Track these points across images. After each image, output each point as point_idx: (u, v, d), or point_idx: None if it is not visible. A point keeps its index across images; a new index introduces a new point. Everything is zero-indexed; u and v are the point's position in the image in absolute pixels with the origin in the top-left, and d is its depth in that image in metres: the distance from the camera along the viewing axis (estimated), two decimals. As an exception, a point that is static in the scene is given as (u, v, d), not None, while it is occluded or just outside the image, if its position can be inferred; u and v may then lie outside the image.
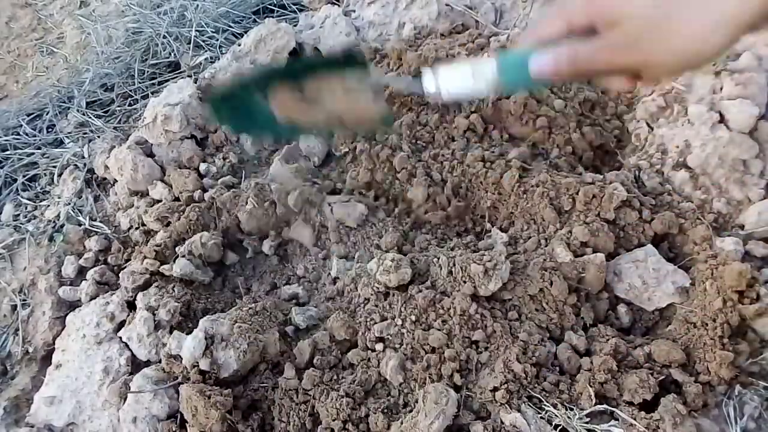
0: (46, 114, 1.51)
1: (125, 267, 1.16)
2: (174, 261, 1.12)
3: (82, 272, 1.20)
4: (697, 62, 0.57)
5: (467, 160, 1.15)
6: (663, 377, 0.89)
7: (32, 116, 1.53)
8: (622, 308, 1.02)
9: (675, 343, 0.93)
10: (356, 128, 0.83)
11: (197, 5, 1.58)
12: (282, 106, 0.71)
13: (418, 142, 1.21)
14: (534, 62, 0.65)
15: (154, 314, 1.05)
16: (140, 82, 1.49)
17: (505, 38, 1.28)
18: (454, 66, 0.71)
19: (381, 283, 1.00)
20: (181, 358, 0.97)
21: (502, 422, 0.85)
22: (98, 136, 1.41)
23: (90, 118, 1.44)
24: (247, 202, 1.16)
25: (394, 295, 1.00)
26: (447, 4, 1.44)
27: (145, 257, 1.13)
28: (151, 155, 1.32)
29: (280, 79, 0.71)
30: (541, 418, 0.85)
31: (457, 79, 0.71)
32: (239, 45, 1.44)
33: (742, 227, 1.05)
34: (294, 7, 1.61)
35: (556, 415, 0.84)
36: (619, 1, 0.59)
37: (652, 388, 0.86)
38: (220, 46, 1.50)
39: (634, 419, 0.83)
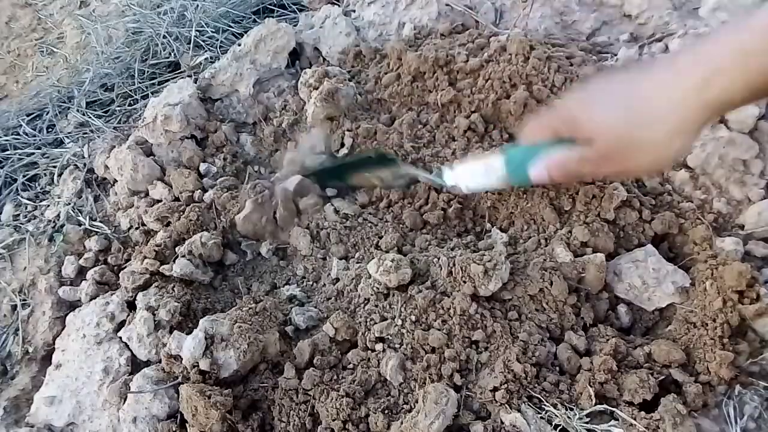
0: (46, 114, 1.51)
1: (125, 267, 1.16)
2: (174, 261, 1.12)
3: (82, 272, 1.20)
4: (664, 165, 0.77)
5: (467, 160, 1.15)
6: (663, 377, 0.89)
7: (32, 116, 1.53)
8: (622, 308, 1.02)
9: (675, 343, 0.93)
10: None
11: (197, 5, 1.57)
12: (355, 179, 1.12)
13: (419, 141, 1.22)
14: (532, 171, 0.81)
15: (154, 314, 1.05)
16: (140, 82, 1.49)
17: (505, 38, 1.28)
18: (469, 164, 0.92)
19: (381, 284, 1.00)
20: (181, 358, 0.97)
21: (502, 422, 0.85)
22: (98, 136, 1.41)
23: (90, 118, 1.44)
24: (245, 206, 1.16)
25: (394, 295, 1.00)
26: (447, 4, 1.44)
27: (145, 257, 1.13)
28: (151, 155, 1.32)
29: (354, 168, 1.10)
30: (541, 418, 0.85)
31: (473, 176, 0.91)
32: (239, 45, 1.44)
33: (742, 227, 1.06)
34: (294, 7, 1.61)
35: (556, 415, 0.84)
36: (591, 122, 0.69)
37: (652, 388, 0.86)
38: (220, 46, 1.50)
39: (634, 419, 0.83)
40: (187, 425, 0.92)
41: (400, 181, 1.10)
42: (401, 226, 1.14)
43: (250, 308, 1.02)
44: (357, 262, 1.09)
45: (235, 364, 0.94)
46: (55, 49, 1.85)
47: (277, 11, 1.61)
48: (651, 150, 0.64)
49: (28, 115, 1.53)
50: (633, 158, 0.66)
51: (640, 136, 0.63)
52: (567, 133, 0.73)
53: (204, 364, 0.93)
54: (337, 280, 1.09)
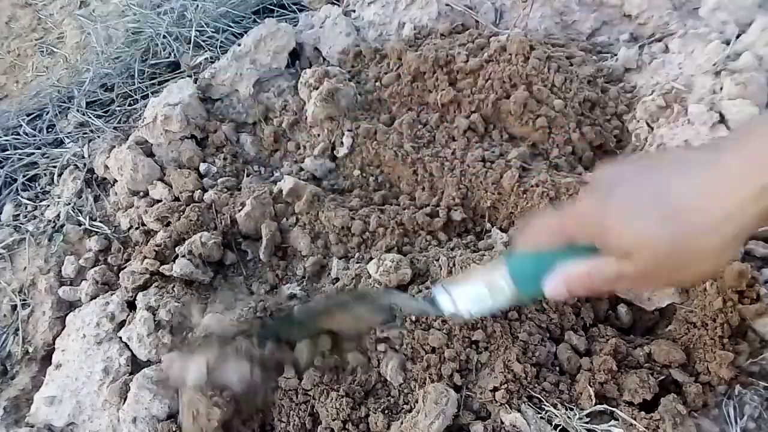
0: (46, 114, 1.51)
1: (125, 267, 1.16)
2: (174, 261, 1.12)
3: (82, 272, 1.20)
4: (716, 273, 0.57)
5: (467, 160, 1.15)
6: (663, 377, 0.89)
7: (32, 116, 1.53)
8: (622, 308, 1.02)
9: (675, 343, 0.93)
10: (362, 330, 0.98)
11: (197, 5, 1.57)
12: (324, 322, 0.89)
13: (419, 141, 1.22)
14: (548, 287, 0.65)
15: (154, 314, 1.05)
16: (140, 82, 1.49)
17: (505, 38, 1.28)
18: (467, 284, 0.72)
19: (381, 284, 1.00)
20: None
21: (502, 422, 0.85)
22: (98, 136, 1.41)
23: (90, 118, 1.44)
24: (245, 205, 1.17)
25: None
26: (447, 4, 1.44)
27: (145, 257, 1.13)
28: (151, 155, 1.32)
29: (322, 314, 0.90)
30: (541, 418, 0.85)
31: (476, 299, 0.71)
32: (239, 45, 1.44)
33: (742, 227, 1.05)
34: (294, 7, 1.61)
35: (556, 415, 0.84)
36: (626, 235, 0.57)
37: (652, 388, 0.86)
38: (220, 46, 1.50)
39: (634, 419, 0.83)
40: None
41: (382, 316, 0.88)
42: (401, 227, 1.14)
43: (250, 308, 1.03)
44: (357, 262, 1.09)
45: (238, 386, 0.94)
46: (55, 49, 1.85)
47: (277, 11, 1.61)
48: (706, 262, 0.56)
49: (28, 115, 1.53)
50: (684, 272, 0.57)
51: (694, 249, 0.55)
52: (586, 240, 0.62)
53: (207, 390, 0.93)
54: (337, 279, 1.09)
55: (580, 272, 0.62)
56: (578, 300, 0.99)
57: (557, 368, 0.93)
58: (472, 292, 0.71)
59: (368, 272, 1.02)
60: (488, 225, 1.14)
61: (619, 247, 0.58)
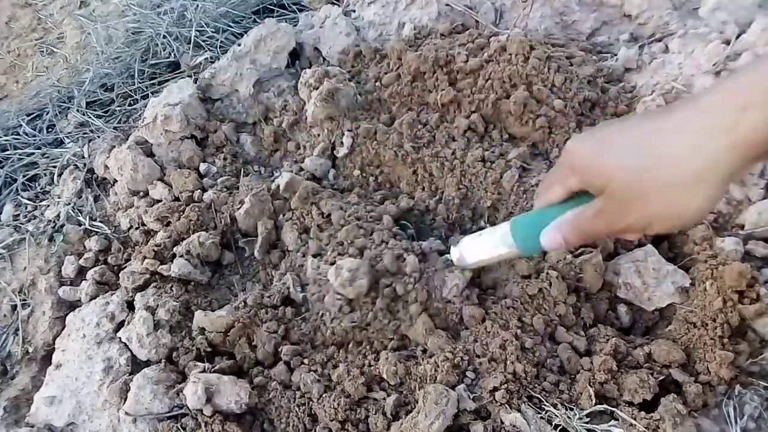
0: (46, 114, 1.51)
1: (125, 267, 1.16)
2: (172, 261, 1.12)
3: (82, 272, 1.20)
4: (687, 217, 0.57)
5: (467, 160, 1.15)
6: (663, 377, 0.89)
7: (32, 116, 1.53)
8: (622, 308, 1.02)
9: (675, 343, 0.93)
10: None
11: (197, 5, 1.57)
12: None
13: (419, 141, 1.22)
14: (543, 239, 0.71)
15: (153, 314, 1.05)
16: (140, 82, 1.49)
17: (505, 38, 1.28)
18: (475, 237, 0.88)
19: (342, 296, 0.97)
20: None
21: (502, 422, 0.85)
22: (98, 136, 1.41)
23: (90, 118, 1.44)
24: (244, 203, 1.16)
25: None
26: (447, 4, 1.44)
27: (144, 257, 1.13)
28: (151, 155, 1.32)
29: None
30: (541, 418, 0.85)
31: (479, 249, 0.86)
32: (239, 45, 1.44)
33: (742, 227, 1.05)
34: (294, 7, 1.61)
35: (556, 415, 0.84)
36: (602, 167, 0.61)
37: (652, 388, 0.86)
38: (220, 46, 1.50)
39: (634, 419, 0.83)
40: (187, 425, 0.92)
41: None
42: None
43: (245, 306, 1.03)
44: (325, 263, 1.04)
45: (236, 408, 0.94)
46: (55, 49, 1.85)
47: (277, 11, 1.61)
48: (670, 197, 0.56)
49: (28, 115, 1.53)
50: (651, 205, 0.57)
51: (656, 178, 0.55)
52: (581, 185, 0.65)
53: (207, 411, 0.93)
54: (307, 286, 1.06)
55: (570, 218, 0.67)
56: (578, 300, 0.99)
57: (557, 368, 0.93)
58: (478, 243, 0.86)
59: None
60: (488, 226, 1.14)
61: (599, 180, 0.61)
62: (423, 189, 1.19)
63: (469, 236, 0.89)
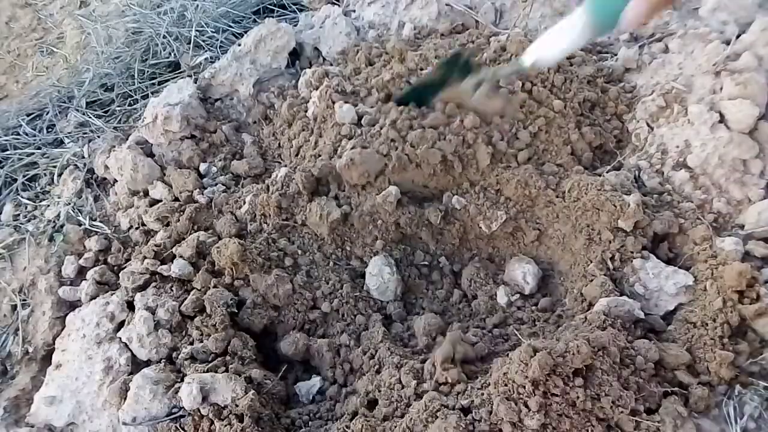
0: (46, 114, 1.51)
1: (125, 267, 1.16)
2: (172, 261, 1.12)
3: (82, 272, 1.20)
4: None
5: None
6: (665, 378, 0.89)
7: (32, 116, 1.53)
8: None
9: (677, 345, 0.93)
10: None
11: (197, 5, 1.57)
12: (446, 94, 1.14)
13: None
14: (630, 11, 0.79)
15: (153, 314, 1.05)
16: (140, 82, 1.49)
17: (505, 38, 1.28)
18: (544, 36, 0.92)
19: None
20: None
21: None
22: (98, 136, 1.41)
23: (90, 118, 1.44)
24: (245, 202, 1.17)
25: None
26: (447, 4, 1.44)
27: (144, 257, 1.13)
28: (151, 155, 1.32)
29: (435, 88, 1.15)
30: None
31: (551, 44, 0.90)
32: (239, 45, 1.44)
33: (742, 227, 1.05)
34: (294, 7, 1.61)
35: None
36: None
37: (657, 395, 0.86)
38: (220, 46, 1.50)
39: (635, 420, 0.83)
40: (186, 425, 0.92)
41: (482, 88, 1.12)
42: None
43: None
44: None
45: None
46: (55, 49, 1.85)
47: (277, 11, 1.61)
48: None
49: (28, 115, 1.52)
50: None
51: None
52: None
53: (205, 411, 0.93)
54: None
55: None
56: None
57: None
58: (548, 39, 0.90)
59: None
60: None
61: None
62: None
63: (536, 39, 0.93)
